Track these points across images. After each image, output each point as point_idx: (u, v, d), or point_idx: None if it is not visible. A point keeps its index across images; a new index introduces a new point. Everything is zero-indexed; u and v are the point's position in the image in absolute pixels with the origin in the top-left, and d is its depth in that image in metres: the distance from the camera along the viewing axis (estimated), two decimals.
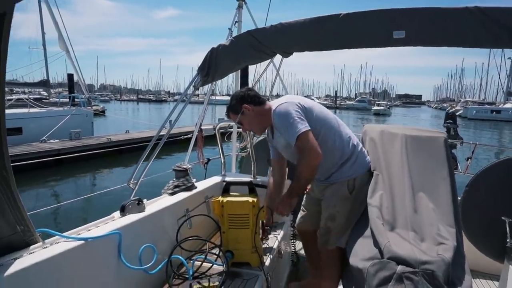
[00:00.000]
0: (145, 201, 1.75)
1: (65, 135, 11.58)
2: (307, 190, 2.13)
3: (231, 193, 1.79)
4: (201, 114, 2.92)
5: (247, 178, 2.37)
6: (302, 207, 2.19)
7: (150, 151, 2.10)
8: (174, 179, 2.02)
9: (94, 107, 17.62)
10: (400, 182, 1.63)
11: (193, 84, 2.53)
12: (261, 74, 2.93)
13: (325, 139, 1.76)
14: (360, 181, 1.81)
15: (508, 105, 39.85)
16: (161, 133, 2.47)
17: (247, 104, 1.84)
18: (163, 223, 1.74)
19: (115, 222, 1.49)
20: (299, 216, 2.21)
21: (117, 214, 1.60)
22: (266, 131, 2.00)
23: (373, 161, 1.83)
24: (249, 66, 2.94)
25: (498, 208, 1.99)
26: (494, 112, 39.75)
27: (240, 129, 3.65)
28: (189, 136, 2.97)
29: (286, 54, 2.57)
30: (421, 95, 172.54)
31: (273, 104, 1.82)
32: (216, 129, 2.46)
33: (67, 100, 15.38)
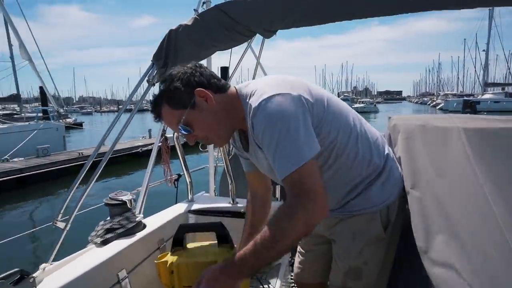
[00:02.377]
0: (51, 265, 1.08)
1: (33, 152, 10.60)
2: None
3: (188, 246, 1.12)
4: None
5: (223, 205, 1.70)
6: (299, 247, 1.39)
7: (88, 173, 1.47)
8: (108, 218, 1.33)
9: (67, 120, 16.58)
10: (476, 210, 0.93)
11: (146, 78, 1.88)
12: (238, 62, 2.29)
13: (344, 150, 1.03)
14: (397, 209, 1.12)
15: (486, 96, 40.63)
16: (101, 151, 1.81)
17: (202, 88, 0.98)
18: None
19: None
20: (296, 261, 1.41)
21: None
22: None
23: (411, 174, 1.14)
24: (224, 53, 2.30)
25: None
26: (474, 103, 40.64)
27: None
28: (150, 147, 2.29)
29: (268, 33, 1.97)
30: (401, 91, 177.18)
31: (248, 89, 0.99)
32: (174, 137, 1.77)
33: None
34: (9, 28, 12.19)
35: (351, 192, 1.09)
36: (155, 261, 1.06)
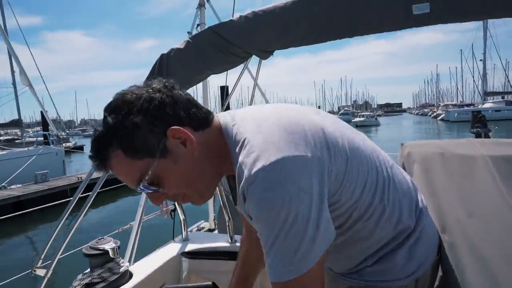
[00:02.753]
0: None
1: (32, 178, 10.47)
2: None
3: None
4: None
5: (220, 244, 1.52)
6: None
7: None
8: (87, 270, 1.15)
9: (68, 144, 16.53)
10: None
11: None
12: (234, 84, 2.17)
13: (367, 210, 0.74)
14: (428, 281, 0.84)
15: (486, 105, 40.64)
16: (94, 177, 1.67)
17: (177, 125, 0.65)
18: None
19: None
20: None
21: None
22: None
23: (437, 215, 0.92)
24: (221, 77, 2.19)
25: None
26: (484, 117, 40.60)
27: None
28: None
29: (264, 53, 1.86)
30: (401, 103, 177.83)
31: (239, 132, 0.67)
32: None
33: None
34: (11, 55, 12.42)
35: (369, 259, 0.80)
36: None
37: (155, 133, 0.63)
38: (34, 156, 11.03)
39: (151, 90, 0.65)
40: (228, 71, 2.23)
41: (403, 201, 0.79)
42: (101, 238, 1.18)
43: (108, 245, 1.13)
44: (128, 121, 0.62)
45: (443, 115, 45.46)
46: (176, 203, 1.68)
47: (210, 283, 0.93)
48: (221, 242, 1.54)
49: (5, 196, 8.87)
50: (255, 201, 0.59)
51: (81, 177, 10.78)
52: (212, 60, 1.81)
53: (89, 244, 1.15)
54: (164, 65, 1.81)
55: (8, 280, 1.94)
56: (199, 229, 3.02)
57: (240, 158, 0.62)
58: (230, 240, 1.54)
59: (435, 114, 55.14)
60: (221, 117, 0.72)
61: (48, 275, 1.40)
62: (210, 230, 3.00)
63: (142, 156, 0.63)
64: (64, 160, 13.13)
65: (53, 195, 9.54)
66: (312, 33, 1.64)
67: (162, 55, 1.83)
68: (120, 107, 0.64)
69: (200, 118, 0.68)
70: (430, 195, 0.96)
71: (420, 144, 1.17)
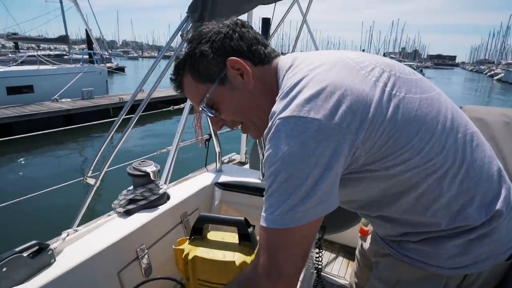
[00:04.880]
0: (74, 232, 1.07)
1: (78, 94, 11.15)
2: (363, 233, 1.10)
3: (208, 236, 1.04)
4: None
5: (252, 180, 1.59)
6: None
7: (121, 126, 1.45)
8: (131, 187, 1.27)
9: (109, 64, 17.01)
10: None
11: (179, 32, 1.74)
12: (283, 16, 2.02)
13: (416, 188, 0.67)
14: (485, 280, 0.74)
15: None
16: (137, 98, 1.74)
17: (238, 56, 0.71)
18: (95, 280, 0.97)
19: None
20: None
21: None
22: None
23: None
24: (265, 8, 2.07)
25: None
26: None
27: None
28: (181, 105, 2.20)
29: None
30: (455, 56, 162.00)
31: (288, 75, 0.68)
32: None
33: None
34: None
35: (413, 235, 0.74)
36: (173, 247, 1.01)
37: (216, 61, 0.71)
38: (81, 73, 11.59)
39: (221, 25, 0.73)
40: (277, 3, 2.11)
41: (474, 192, 0.67)
42: (143, 160, 1.29)
43: (150, 168, 1.23)
44: (197, 49, 0.71)
45: (502, 74, 40.93)
46: (213, 134, 1.74)
47: (243, 218, 1.00)
48: (253, 178, 1.60)
49: (57, 109, 9.65)
50: (266, 149, 0.61)
51: (122, 98, 11.32)
52: None
53: (132, 164, 1.26)
54: None
55: (63, 184, 2.20)
56: (230, 161, 3.15)
57: (277, 99, 0.64)
58: (261, 177, 1.60)
59: (492, 72, 49.83)
60: (282, 59, 0.75)
61: (97, 184, 1.55)
62: (240, 163, 3.13)
63: (204, 81, 0.72)
64: (107, 80, 13.65)
65: (98, 112, 10.23)
66: None
67: None
68: (195, 38, 0.73)
69: (261, 54, 0.73)
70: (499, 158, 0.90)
71: (482, 109, 1.07)
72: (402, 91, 0.64)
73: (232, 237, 1.03)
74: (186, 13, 1.77)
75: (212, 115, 0.75)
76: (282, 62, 0.73)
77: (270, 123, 0.62)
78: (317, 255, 1.50)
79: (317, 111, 0.57)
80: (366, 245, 1.04)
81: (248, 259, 0.94)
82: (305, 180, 0.57)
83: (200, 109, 0.74)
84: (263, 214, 0.62)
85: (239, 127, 0.79)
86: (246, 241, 0.99)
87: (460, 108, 0.75)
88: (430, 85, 0.71)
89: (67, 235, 1.05)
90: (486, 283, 0.74)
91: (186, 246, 0.98)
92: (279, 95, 0.65)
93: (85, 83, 11.49)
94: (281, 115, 0.59)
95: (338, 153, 0.58)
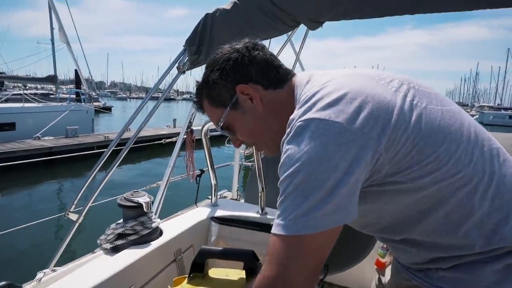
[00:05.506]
0: (52, 272, 0.94)
1: (63, 132, 10.94)
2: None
3: (209, 273, 0.92)
4: (190, 110, 2.11)
5: (250, 214, 1.51)
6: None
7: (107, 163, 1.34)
8: (120, 221, 1.16)
9: (96, 103, 17.01)
10: None
11: (176, 64, 1.74)
12: (277, 54, 2.09)
13: (444, 204, 0.62)
14: None
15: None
16: (124, 137, 1.69)
17: (247, 83, 0.73)
18: None
19: None
20: None
21: None
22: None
23: None
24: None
25: None
26: None
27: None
28: (174, 139, 2.14)
29: (314, 24, 1.79)
30: None
31: (308, 86, 0.68)
32: (203, 131, 1.59)
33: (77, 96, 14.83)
34: (52, 12, 12.71)
35: (444, 261, 0.66)
36: (168, 287, 0.89)
37: (227, 88, 0.73)
38: (67, 111, 11.47)
39: (231, 50, 0.74)
40: (271, 43, 2.17)
41: (508, 209, 0.62)
42: (135, 191, 1.19)
43: (142, 199, 1.14)
44: (210, 77, 0.75)
45: (477, 116, 43.18)
46: (209, 165, 1.67)
47: (251, 250, 0.90)
48: (251, 212, 1.52)
49: (38, 146, 9.37)
50: (283, 154, 0.59)
51: (108, 136, 11.14)
52: (258, 25, 1.76)
53: (123, 195, 1.16)
54: (208, 25, 1.77)
55: (42, 220, 2.05)
56: (221, 197, 3.04)
57: (292, 115, 0.62)
58: (260, 212, 1.52)
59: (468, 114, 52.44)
60: (298, 77, 0.75)
61: (80, 220, 1.45)
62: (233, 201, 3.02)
63: (218, 106, 0.76)
64: (93, 119, 13.55)
65: (81, 150, 9.97)
66: (364, 6, 1.53)
67: (207, 15, 1.79)
68: (210, 65, 0.76)
69: (272, 78, 0.74)
70: None
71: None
72: (423, 102, 0.62)
73: (237, 274, 0.91)
74: (183, 46, 1.78)
75: (229, 135, 0.80)
76: (299, 79, 0.73)
77: (288, 129, 0.61)
78: None
79: (338, 115, 0.56)
80: (385, 279, 0.95)
81: None
82: (324, 183, 0.54)
83: (218, 130, 0.79)
84: (275, 221, 0.58)
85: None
86: (252, 275, 0.87)
87: None
88: (448, 99, 0.69)
89: (43, 276, 0.92)
90: None
91: (185, 286, 0.86)
92: (298, 105, 0.63)
93: (70, 122, 11.34)
94: (301, 118, 0.58)
95: (359, 158, 0.55)
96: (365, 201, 0.62)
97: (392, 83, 0.64)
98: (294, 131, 0.58)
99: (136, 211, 1.13)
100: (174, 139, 2.13)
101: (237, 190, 2.98)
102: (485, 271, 0.62)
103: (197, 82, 0.79)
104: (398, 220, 0.66)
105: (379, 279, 0.99)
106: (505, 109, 44.85)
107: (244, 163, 2.90)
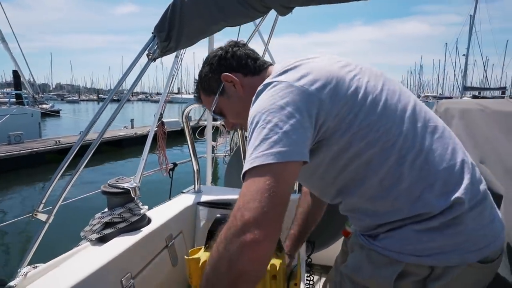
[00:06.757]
0: (34, 269, 0.84)
1: (4, 139, 9.97)
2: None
3: None
4: (160, 104, 2.03)
5: (234, 197, 1.50)
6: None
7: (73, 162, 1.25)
8: (105, 210, 1.10)
9: (43, 106, 15.75)
10: None
11: (146, 52, 1.64)
12: (247, 42, 2.06)
13: (375, 172, 0.72)
14: (441, 280, 0.72)
15: (465, 99, 41.86)
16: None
17: (230, 71, 0.87)
18: None
19: None
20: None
21: None
22: None
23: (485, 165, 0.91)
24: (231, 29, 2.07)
25: None
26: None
27: (218, 123, 2.73)
28: (145, 132, 2.02)
29: (285, 9, 1.77)
30: None
31: (276, 68, 0.84)
32: (183, 116, 1.51)
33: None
34: None
35: (384, 226, 0.76)
36: (186, 257, 0.86)
37: (215, 78, 0.90)
38: (7, 116, 10.45)
39: (218, 49, 0.93)
40: (239, 34, 2.12)
41: (434, 179, 0.70)
42: (120, 177, 1.11)
43: (129, 184, 1.06)
44: (202, 72, 0.93)
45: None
46: (191, 152, 1.62)
47: None
48: (234, 195, 1.52)
49: None
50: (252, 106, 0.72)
51: (59, 141, 10.37)
52: (229, 11, 1.71)
53: (107, 182, 1.08)
54: (178, 11, 1.69)
55: (8, 222, 1.84)
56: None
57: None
58: None
59: None
60: (275, 66, 0.90)
61: (50, 221, 1.33)
62: None
63: (209, 94, 0.93)
64: (40, 123, 12.51)
65: (29, 157, 9.19)
66: None
67: (175, 1, 1.71)
68: (203, 63, 0.95)
69: (250, 66, 0.89)
70: (473, 147, 0.96)
71: (458, 101, 1.17)
72: (365, 78, 0.75)
73: None
74: (152, 32, 1.69)
75: (220, 119, 0.96)
76: (275, 67, 0.90)
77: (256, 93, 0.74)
78: (308, 278, 1.42)
79: (287, 77, 0.71)
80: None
81: (277, 262, 0.85)
82: (277, 127, 0.64)
83: (211, 114, 0.95)
84: (246, 161, 0.65)
85: None
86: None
87: (436, 102, 0.79)
88: (396, 82, 0.81)
89: (27, 273, 0.82)
90: (462, 284, 0.72)
91: (203, 254, 0.85)
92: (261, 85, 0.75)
93: (13, 126, 10.37)
94: (261, 85, 0.73)
95: (302, 107, 0.66)
96: (314, 155, 0.73)
97: (343, 62, 0.77)
98: (255, 95, 0.73)
99: (123, 198, 1.06)
100: (145, 131, 2.02)
101: (211, 182, 2.94)
102: (409, 232, 0.71)
103: (195, 79, 0.97)
104: (342, 186, 0.77)
105: (345, 243, 1.07)
106: (446, 98, 48.99)
107: (216, 155, 2.84)
